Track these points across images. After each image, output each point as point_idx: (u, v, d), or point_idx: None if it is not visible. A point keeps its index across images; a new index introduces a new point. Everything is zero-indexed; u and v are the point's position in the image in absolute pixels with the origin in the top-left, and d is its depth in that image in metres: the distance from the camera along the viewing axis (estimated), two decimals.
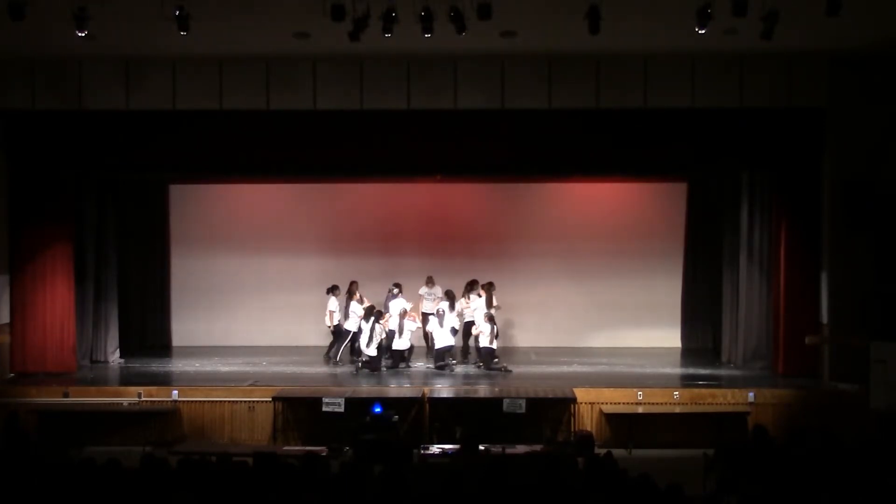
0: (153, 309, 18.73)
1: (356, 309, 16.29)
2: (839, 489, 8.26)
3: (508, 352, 17.25)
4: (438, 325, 16.05)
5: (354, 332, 16.26)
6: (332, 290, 16.86)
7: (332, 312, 16.80)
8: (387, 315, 16.17)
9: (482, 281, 16.80)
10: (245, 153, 15.42)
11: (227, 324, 18.67)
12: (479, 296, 16.57)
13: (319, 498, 7.91)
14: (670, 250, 18.54)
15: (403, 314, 16.22)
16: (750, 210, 16.18)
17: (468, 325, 16.65)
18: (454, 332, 16.29)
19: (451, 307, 16.28)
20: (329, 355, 16.67)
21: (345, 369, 16.07)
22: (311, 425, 13.82)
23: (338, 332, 16.71)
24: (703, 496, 9.15)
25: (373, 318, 15.74)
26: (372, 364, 15.67)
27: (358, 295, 16.61)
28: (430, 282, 17.92)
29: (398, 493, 7.83)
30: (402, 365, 16.26)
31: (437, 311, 16.37)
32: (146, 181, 18.31)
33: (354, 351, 16.38)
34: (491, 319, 16.02)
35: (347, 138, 15.24)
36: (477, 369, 16.06)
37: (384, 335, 15.92)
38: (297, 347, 17.82)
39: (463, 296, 16.75)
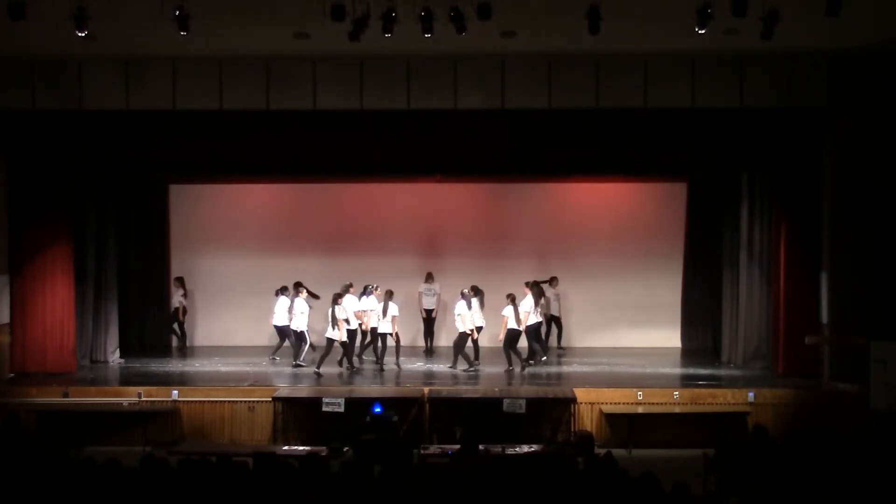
0: (153, 309, 18.72)
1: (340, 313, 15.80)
2: (839, 489, 8.26)
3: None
4: (462, 325, 15.85)
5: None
6: (282, 290, 16.81)
7: (276, 313, 16.73)
8: (367, 313, 16.10)
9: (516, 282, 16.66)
10: (245, 153, 15.43)
11: (227, 324, 18.67)
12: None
13: (319, 498, 7.91)
14: (670, 250, 18.55)
15: (389, 295, 16.10)
16: (750, 210, 16.19)
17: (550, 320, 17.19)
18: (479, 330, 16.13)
19: (482, 304, 16.16)
20: (339, 363, 16.14)
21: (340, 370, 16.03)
22: (311, 425, 13.82)
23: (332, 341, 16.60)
24: (703, 496, 9.14)
25: (331, 302, 15.64)
26: (346, 350, 15.61)
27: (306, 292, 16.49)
28: (429, 278, 17.95)
29: (398, 493, 7.83)
30: (391, 360, 16.11)
31: (457, 313, 16.02)
32: (146, 181, 18.31)
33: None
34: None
35: (347, 138, 15.25)
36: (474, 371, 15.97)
37: (349, 323, 15.77)
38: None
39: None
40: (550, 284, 17.42)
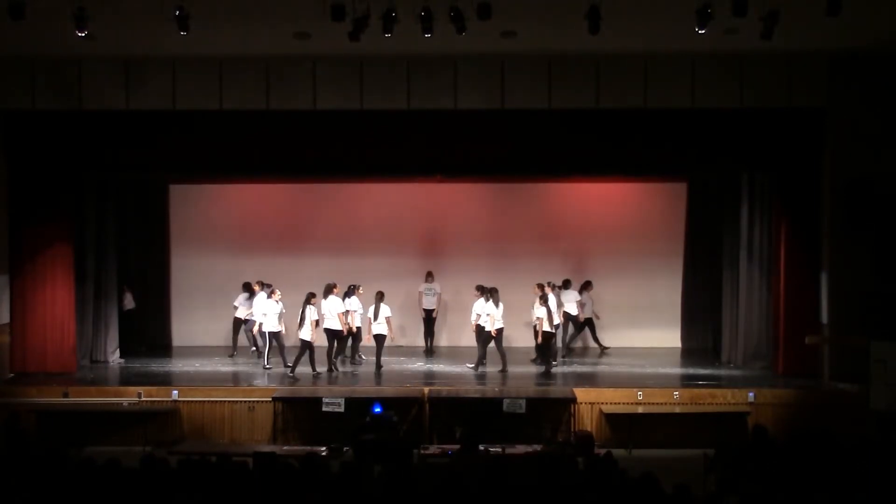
0: (153, 309, 18.72)
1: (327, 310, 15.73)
2: (839, 489, 8.27)
3: (509, 352, 17.19)
4: (491, 325, 15.83)
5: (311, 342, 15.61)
6: (263, 286, 16.69)
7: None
8: (351, 313, 16.06)
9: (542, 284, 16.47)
10: (245, 153, 15.44)
11: (227, 324, 18.63)
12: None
13: (319, 498, 7.91)
14: (670, 250, 18.55)
15: (380, 296, 16.06)
16: (750, 210, 16.20)
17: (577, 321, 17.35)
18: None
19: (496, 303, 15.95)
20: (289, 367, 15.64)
21: (344, 370, 16.03)
22: (311, 425, 13.83)
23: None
24: (703, 496, 9.14)
25: (304, 301, 15.54)
26: (309, 348, 15.47)
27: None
28: (429, 277, 17.94)
29: (398, 493, 7.83)
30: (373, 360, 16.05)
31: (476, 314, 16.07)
32: (146, 181, 18.33)
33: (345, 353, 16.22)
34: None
35: (347, 138, 15.26)
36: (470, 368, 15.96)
37: (318, 325, 15.62)
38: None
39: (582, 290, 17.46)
40: (585, 288, 17.58)
